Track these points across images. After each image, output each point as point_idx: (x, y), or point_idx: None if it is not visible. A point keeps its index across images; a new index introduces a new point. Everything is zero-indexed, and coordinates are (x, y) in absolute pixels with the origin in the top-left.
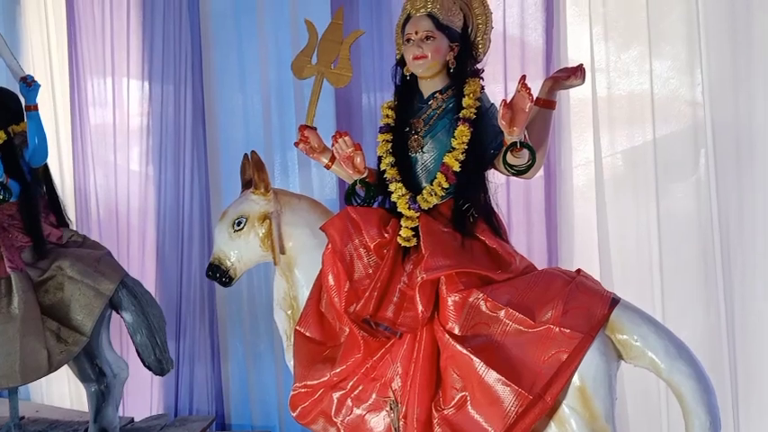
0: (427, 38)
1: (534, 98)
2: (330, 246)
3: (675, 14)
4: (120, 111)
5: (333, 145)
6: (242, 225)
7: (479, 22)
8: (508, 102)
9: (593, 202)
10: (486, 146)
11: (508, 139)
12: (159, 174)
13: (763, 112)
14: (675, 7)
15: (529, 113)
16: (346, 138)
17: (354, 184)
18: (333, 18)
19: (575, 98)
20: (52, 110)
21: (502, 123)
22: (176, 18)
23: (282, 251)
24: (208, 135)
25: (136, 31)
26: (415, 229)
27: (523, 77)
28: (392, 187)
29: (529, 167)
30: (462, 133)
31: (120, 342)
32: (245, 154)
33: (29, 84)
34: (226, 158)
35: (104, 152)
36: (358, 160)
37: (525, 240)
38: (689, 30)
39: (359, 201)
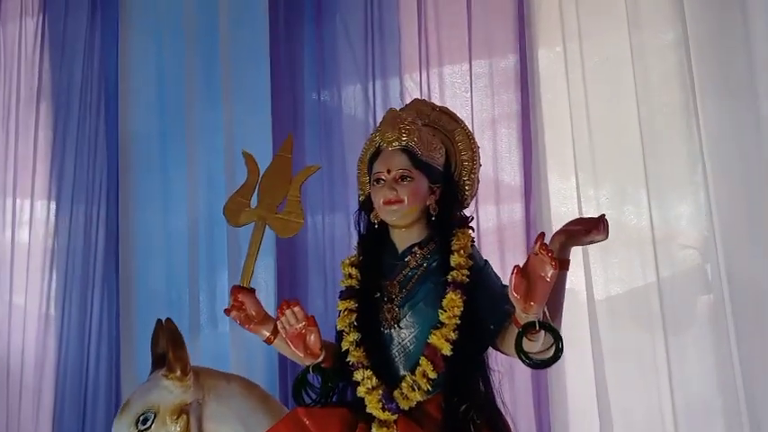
0: (403, 177)
1: (557, 263)
2: None
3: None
4: (20, 238)
5: (278, 318)
6: (148, 423)
7: (464, 158)
8: (521, 267)
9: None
10: (485, 319)
11: (522, 318)
12: (62, 318)
13: None
14: (679, 149)
15: (551, 283)
16: (296, 308)
17: (306, 370)
18: (279, 149)
19: None
20: None
21: (514, 297)
22: (91, 138)
23: None
24: (121, 272)
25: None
26: None
27: (542, 235)
28: (358, 376)
29: (556, 358)
30: (453, 303)
31: None
32: (159, 320)
33: None
34: (143, 301)
35: None
36: (311, 339)
37: None
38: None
39: (312, 397)
